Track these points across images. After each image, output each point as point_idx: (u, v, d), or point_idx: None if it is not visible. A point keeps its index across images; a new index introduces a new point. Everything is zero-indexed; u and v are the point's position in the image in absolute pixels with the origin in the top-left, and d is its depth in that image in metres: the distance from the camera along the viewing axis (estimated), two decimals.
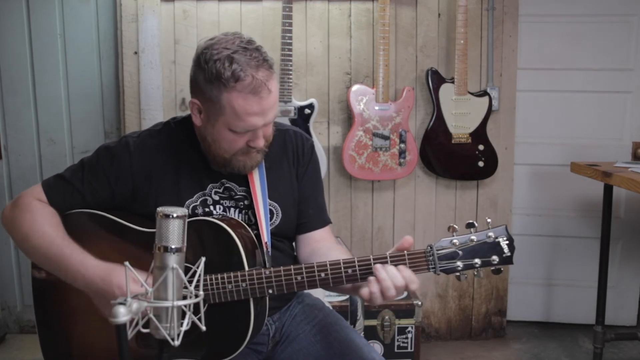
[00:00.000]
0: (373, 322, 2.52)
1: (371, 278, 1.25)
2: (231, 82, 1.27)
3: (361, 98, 2.75)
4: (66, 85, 2.96)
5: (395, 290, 1.24)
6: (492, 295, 3.08)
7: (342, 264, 1.28)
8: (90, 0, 2.91)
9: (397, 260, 1.27)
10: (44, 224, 1.37)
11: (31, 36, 2.91)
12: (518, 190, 3.11)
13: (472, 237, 1.27)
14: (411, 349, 2.55)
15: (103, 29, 2.93)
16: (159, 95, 2.78)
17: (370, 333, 2.51)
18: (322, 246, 1.50)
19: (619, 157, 2.77)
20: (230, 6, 2.78)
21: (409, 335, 2.54)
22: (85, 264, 1.30)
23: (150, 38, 2.75)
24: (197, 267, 0.99)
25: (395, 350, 2.54)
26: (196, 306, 0.99)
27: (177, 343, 0.95)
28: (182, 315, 0.97)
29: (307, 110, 2.73)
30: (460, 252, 1.26)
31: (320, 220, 1.56)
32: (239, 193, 1.47)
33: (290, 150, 1.53)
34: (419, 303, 2.54)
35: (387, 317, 2.52)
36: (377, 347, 2.52)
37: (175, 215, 0.96)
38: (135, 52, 2.77)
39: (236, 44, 1.30)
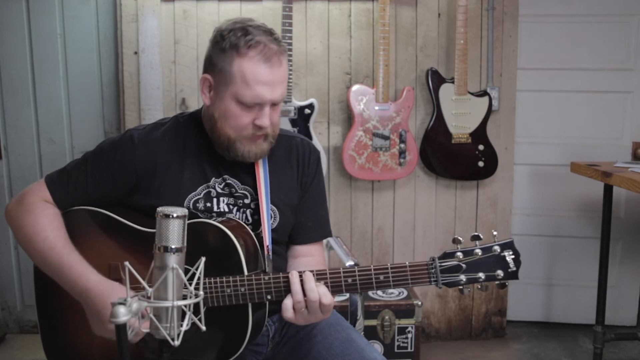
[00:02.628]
0: (373, 322, 2.52)
1: (289, 294, 1.27)
2: (243, 49, 1.31)
3: (361, 98, 2.75)
4: (66, 85, 2.97)
5: (300, 296, 1.24)
6: (492, 295, 3.08)
7: (342, 272, 1.28)
8: (90, 1, 2.92)
9: (398, 271, 1.26)
10: (46, 227, 1.36)
11: (31, 36, 2.91)
12: (518, 190, 3.11)
13: (477, 251, 1.23)
14: (411, 349, 2.55)
15: (103, 29, 2.94)
16: (159, 95, 2.78)
17: (370, 333, 2.51)
18: (307, 261, 1.51)
19: (619, 157, 2.78)
20: (230, 6, 2.78)
21: (409, 335, 2.54)
22: (84, 277, 1.30)
23: (150, 38, 2.75)
24: (197, 267, 0.99)
25: (395, 350, 2.54)
26: (196, 307, 0.99)
27: (177, 343, 0.95)
28: (183, 315, 0.97)
29: (307, 110, 2.73)
30: (464, 266, 1.24)
31: (317, 234, 1.56)
32: (239, 191, 1.46)
33: (296, 157, 1.53)
34: (419, 303, 2.54)
35: (387, 317, 2.52)
36: (377, 347, 2.52)
37: (175, 215, 0.96)
38: (135, 52, 2.77)
39: (251, 22, 1.37)
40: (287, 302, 1.26)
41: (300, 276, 1.27)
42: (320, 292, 1.25)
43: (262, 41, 1.32)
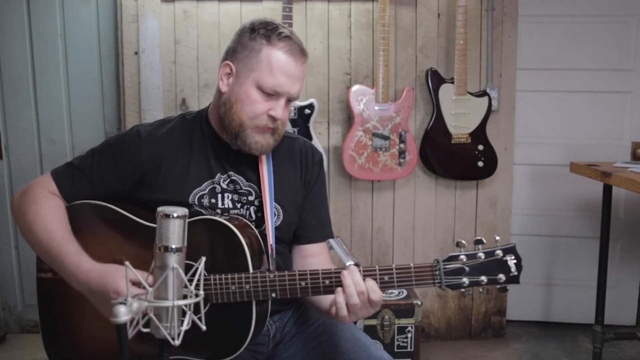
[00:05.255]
0: (373, 322, 2.52)
1: (338, 288, 1.26)
2: (274, 39, 1.40)
3: (361, 98, 2.75)
4: (66, 85, 2.97)
5: (358, 299, 1.24)
6: (491, 295, 3.09)
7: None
8: (90, 1, 2.92)
9: (403, 273, 1.27)
10: (47, 217, 1.37)
11: (32, 36, 2.92)
12: (518, 190, 3.12)
13: (480, 254, 1.25)
14: (411, 348, 2.55)
15: (103, 30, 2.94)
16: (159, 95, 2.79)
17: (370, 333, 2.51)
18: (316, 261, 1.51)
19: (619, 157, 2.78)
20: (230, 6, 2.78)
21: (409, 335, 2.54)
22: (79, 266, 1.30)
23: (151, 38, 2.76)
24: (198, 267, 0.99)
25: (395, 349, 2.55)
26: (197, 306, 0.99)
27: (177, 342, 0.95)
28: (183, 314, 0.97)
29: (307, 111, 2.73)
30: (467, 269, 1.26)
31: (321, 233, 1.57)
32: (244, 188, 1.47)
33: (299, 156, 1.55)
34: (419, 303, 2.55)
35: (387, 317, 2.53)
36: None
37: (175, 215, 0.97)
38: (136, 53, 2.77)
39: (281, 24, 1.46)
40: (341, 300, 1.25)
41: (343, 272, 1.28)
42: (368, 287, 1.25)
43: (292, 38, 1.42)
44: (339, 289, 1.26)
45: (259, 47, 1.39)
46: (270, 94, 1.40)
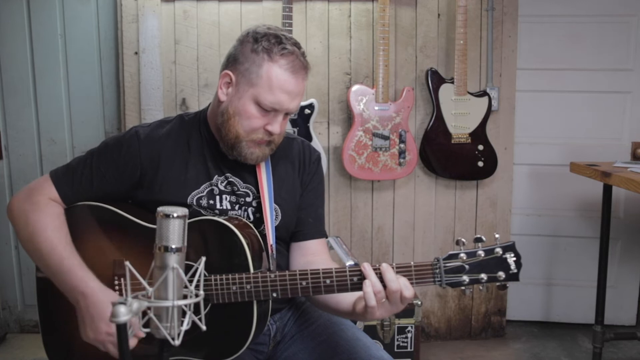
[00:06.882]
0: (373, 322, 2.52)
1: (366, 281, 1.25)
2: (276, 55, 1.38)
3: (361, 98, 2.75)
4: (67, 85, 2.97)
5: (380, 286, 1.23)
6: (491, 295, 3.09)
7: (347, 270, 1.29)
8: (90, 1, 2.92)
9: (403, 271, 1.27)
10: (48, 227, 1.37)
11: (32, 36, 2.92)
12: (517, 190, 3.12)
13: (480, 252, 1.26)
14: (411, 348, 2.55)
15: (103, 29, 2.94)
16: (160, 95, 2.79)
17: (370, 333, 2.51)
18: (318, 259, 1.51)
19: (618, 157, 2.78)
20: (230, 6, 2.78)
21: (409, 335, 2.54)
22: (85, 281, 1.31)
23: (151, 38, 2.76)
24: (198, 267, 0.99)
25: (395, 349, 2.55)
26: (197, 306, 0.99)
27: (177, 343, 0.96)
28: (183, 314, 0.98)
29: (307, 111, 2.73)
30: (467, 267, 1.26)
31: (318, 231, 1.57)
32: (241, 189, 1.48)
33: (297, 157, 1.56)
34: (419, 302, 2.55)
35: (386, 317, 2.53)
36: None
37: (175, 215, 0.97)
38: (136, 53, 2.77)
39: (284, 33, 1.44)
40: (369, 290, 1.23)
41: (377, 268, 1.26)
42: (401, 284, 1.24)
43: (294, 53, 1.40)
44: (367, 281, 1.24)
45: (259, 62, 1.38)
46: (268, 110, 1.39)
